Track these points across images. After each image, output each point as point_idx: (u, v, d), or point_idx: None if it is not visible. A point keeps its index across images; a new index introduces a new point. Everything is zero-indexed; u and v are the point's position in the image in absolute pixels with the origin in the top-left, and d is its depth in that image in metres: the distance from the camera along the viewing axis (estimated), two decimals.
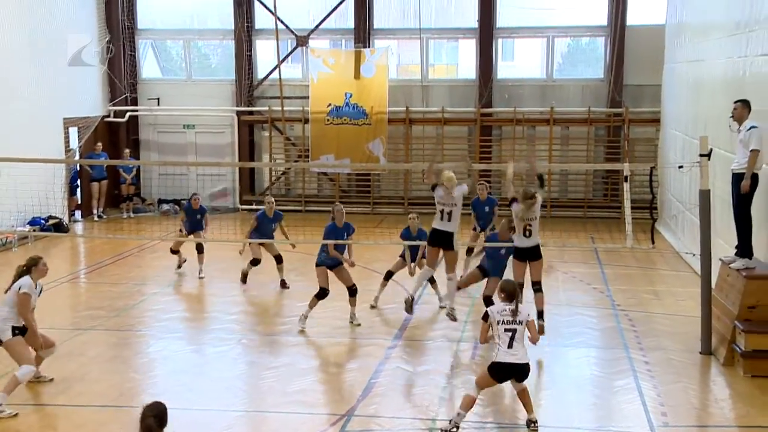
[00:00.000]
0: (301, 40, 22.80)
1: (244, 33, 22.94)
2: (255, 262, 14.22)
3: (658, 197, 18.21)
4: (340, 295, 12.16)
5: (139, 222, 21.18)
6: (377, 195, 22.88)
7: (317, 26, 22.75)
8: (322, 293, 11.82)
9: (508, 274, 10.86)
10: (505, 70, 22.91)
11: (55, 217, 19.39)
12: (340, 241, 11.89)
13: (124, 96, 23.16)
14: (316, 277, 11.89)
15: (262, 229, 14.08)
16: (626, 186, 12.57)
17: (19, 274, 9.32)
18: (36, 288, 9.36)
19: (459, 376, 10.01)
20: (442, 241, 11.16)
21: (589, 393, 9.62)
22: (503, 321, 8.25)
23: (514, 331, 8.19)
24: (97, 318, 12.43)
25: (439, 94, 22.68)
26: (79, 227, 20.93)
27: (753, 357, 9.93)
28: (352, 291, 12.06)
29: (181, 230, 15.76)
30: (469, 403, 8.23)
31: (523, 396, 8.40)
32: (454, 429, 8.18)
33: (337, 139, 22.07)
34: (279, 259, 14.19)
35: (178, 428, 8.37)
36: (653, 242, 12.88)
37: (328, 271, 11.93)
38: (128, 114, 23.20)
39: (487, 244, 12.38)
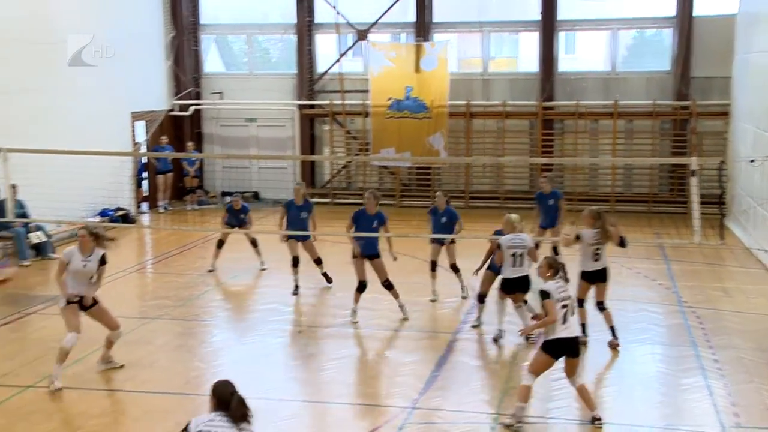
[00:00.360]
0: (362, 34, 22.80)
1: (305, 27, 23.05)
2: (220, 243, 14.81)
3: (728, 192, 17.75)
4: (402, 288, 12.12)
5: (203, 214, 21.46)
6: (438, 189, 22.74)
7: (377, 20, 22.72)
8: (360, 286, 11.80)
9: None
10: (567, 62, 22.60)
11: (123, 209, 19.78)
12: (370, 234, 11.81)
13: (188, 90, 23.48)
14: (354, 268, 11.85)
15: (290, 217, 13.52)
16: (694, 180, 12.24)
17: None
18: (86, 255, 9.57)
19: (521, 371, 9.88)
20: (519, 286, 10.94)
21: (656, 391, 9.42)
22: (561, 298, 8.19)
23: (567, 306, 8.23)
24: (163, 307, 12.64)
25: (500, 88, 22.47)
26: (145, 219, 21.31)
27: None
28: (386, 285, 11.90)
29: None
30: (525, 394, 8.15)
31: (583, 393, 8.31)
32: (518, 424, 8.09)
33: (398, 133, 22.04)
34: (318, 262, 13.77)
35: None
36: (722, 238, 12.58)
37: (366, 262, 11.83)
38: (192, 108, 23.52)
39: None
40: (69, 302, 9.53)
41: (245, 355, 10.73)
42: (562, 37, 22.37)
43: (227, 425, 5.53)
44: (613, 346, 10.57)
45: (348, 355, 10.60)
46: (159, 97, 22.74)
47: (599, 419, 8.19)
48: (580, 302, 10.58)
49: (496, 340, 10.92)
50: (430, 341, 11.11)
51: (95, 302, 9.71)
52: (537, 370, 8.25)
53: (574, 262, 10.82)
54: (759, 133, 15.73)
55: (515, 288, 10.85)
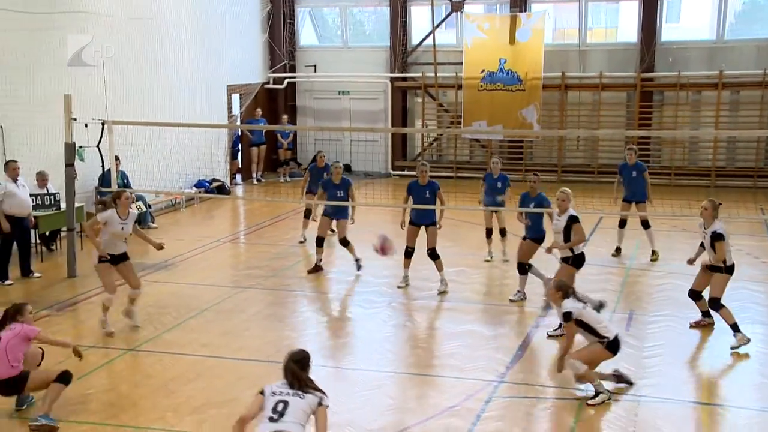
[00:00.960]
0: (456, 6, 22.62)
1: None
2: (307, 213, 15.00)
3: None
4: (492, 264, 12.10)
5: (295, 186, 21.64)
6: (530, 162, 22.51)
7: None
8: (407, 251, 12.16)
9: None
10: (669, 32, 21.90)
11: (218, 180, 20.30)
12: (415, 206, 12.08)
13: (282, 63, 23.82)
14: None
15: (328, 193, 13.10)
16: None
17: (105, 206, 10.66)
18: (125, 219, 10.23)
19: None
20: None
21: (756, 371, 9.17)
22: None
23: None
24: (256, 277, 12.95)
25: (596, 59, 21.99)
26: (239, 190, 21.81)
27: None
28: (431, 255, 12.04)
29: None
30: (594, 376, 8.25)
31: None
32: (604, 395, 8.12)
33: (491, 105, 21.85)
34: (344, 242, 13.23)
35: (330, 387, 8.68)
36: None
37: (421, 228, 12.08)
38: (286, 81, 23.86)
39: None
40: (101, 260, 10.22)
41: (334, 326, 10.95)
42: (664, 5, 21.67)
43: (290, 391, 6.02)
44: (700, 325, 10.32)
45: (436, 327, 10.68)
46: (254, 71, 23.14)
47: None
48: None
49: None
50: (518, 315, 11.07)
51: (126, 257, 10.43)
52: (595, 364, 8.40)
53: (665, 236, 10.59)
54: None
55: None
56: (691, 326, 10.35)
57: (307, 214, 15.17)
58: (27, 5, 14.61)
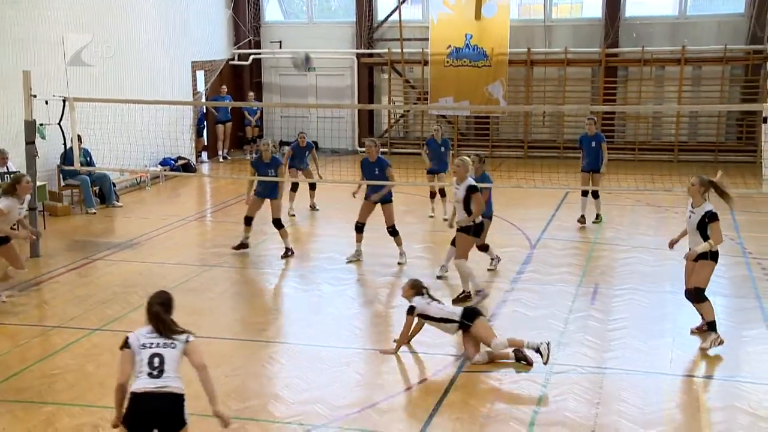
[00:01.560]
0: None
1: None
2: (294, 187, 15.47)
3: None
4: (451, 236, 12.06)
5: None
6: (496, 138, 22.58)
7: None
8: (357, 226, 12.33)
9: None
10: (633, 7, 22.04)
11: (184, 158, 20.13)
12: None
13: (247, 39, 23.61)
14: None
15: (259, 172, 13.05)
16: (765, 128, 11.90)
17: (4, 192, 10.36)
18: (21, 204, 10.35)
19: (576, 321, 9.85)
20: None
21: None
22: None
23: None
24: (222, 255, 12.88)
25: (562, 35, 22.06)
26: (205, 167, 21.65)
27: None
28: (390, 232, 12.23)
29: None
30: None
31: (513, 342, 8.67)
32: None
33: (457, 81, 21.85)
34: (278, 224, 12.97)
35: (300, 362, 8.68)
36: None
37: (377, 206, 12.22)
38: (252, 57, 23.65)
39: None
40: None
41: (302, 303, 10.92)
42: None
43: (160, 341, 5.83)
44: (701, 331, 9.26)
45: (404, 304, 10.66)
46: (219, 47, 22.92)
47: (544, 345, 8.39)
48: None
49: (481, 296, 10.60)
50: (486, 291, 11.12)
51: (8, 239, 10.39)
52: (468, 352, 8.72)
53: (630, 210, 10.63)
54: None
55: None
56: (692, 332, 9.37)
57: (294, 187, 15.42)
58: None
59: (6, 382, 8.24)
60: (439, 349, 9.03)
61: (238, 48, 23.56)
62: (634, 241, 13.47)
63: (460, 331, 8.75)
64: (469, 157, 10.85)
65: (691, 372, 8.50)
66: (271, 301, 11.20)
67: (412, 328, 8.92)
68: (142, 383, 5.69)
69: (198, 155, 21.83)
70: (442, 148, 15.16)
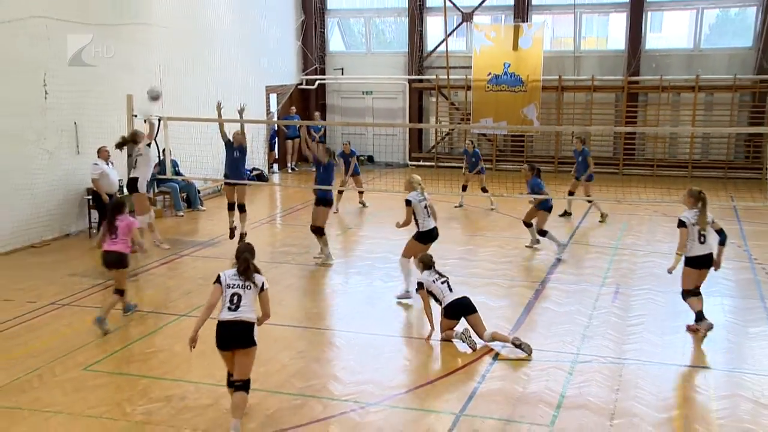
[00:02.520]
0: (466, 16, 22.50)
1: (417, 10, 22.93)
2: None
3: None
4: (505, 240, 12.07)
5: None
6: (530, 154, 22.42)
7: (480, 4, 22.38)
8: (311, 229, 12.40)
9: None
10: (653, 40, 21.69)
11: (258, 169, 20.38)
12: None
13: (314, 67, 23.82)
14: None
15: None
16: None
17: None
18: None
19: (599, 317, 9.76)
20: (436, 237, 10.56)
21: (723, 338, 9.12)
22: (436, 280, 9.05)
23: (445, 281, 9.02)
24: (289, 254, 13.02)
25: (589, 64, 21.83)
26: (276, 177, 21.89)
27: None
28: (312, 230, 12.23)
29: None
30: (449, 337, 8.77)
31: (497, 337, 8.65)
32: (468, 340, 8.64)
33: (496, 104, 21.76)
34: (241, 209, 13.16)
35: (354, 350, 8.75)
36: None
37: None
38: (317, 82, 23.86)
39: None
40: None
41: (358, 297, 10.97)
42: (649, 17, 21.48)
43: (238, 278, 6.80)
44: (692, 330, 9.10)
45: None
46: (289, 73, 23.17)
47: (524, 346, 8.41)
48: (688, 293, 9.03)
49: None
50: (520, 289, 11.07)
51: None
52: (445, 333, 8.80)
53: (648, 220, 10.49)
54: None
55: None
56: (687, 329, 9.23)
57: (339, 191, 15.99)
58: (94, 18, 14.71)
59: (110, 357, 8.49)
60: (477, 340, 9.02)
61: (306, 74, 23.80)
62: (651, 247, 13.29)
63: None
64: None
65: (700, 363, 8.37)
66: (331, 294, 11.28)
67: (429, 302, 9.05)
68: (224, 314, 6.67)
69: (270, 167, 22.08)
70: (473, 159, 16.57)
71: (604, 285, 11.13)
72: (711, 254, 8.99)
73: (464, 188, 16.60)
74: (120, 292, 9.44)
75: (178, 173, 16.07)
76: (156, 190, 16.32)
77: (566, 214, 15.65)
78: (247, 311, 6.70)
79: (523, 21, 21.70)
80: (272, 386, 7.72)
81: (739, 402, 7.38)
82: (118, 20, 15.32)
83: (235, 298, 6.69)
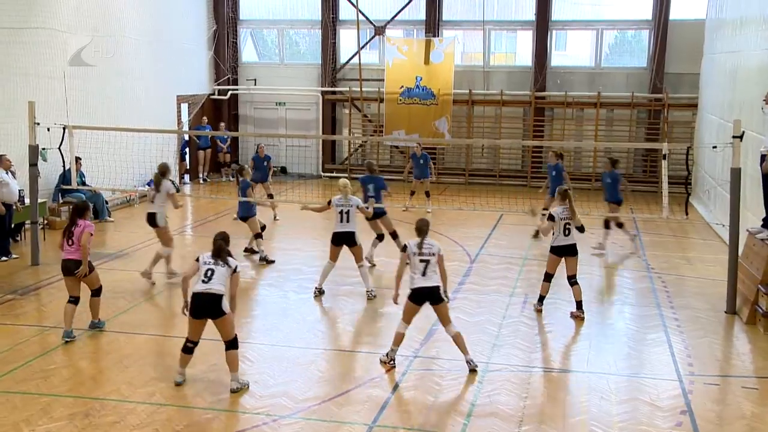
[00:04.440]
0: (379, 30, 22.68)
1: (330, 23, 22.94)
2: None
3: (693, 174, 17.68)
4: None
5: (236, 185, 21.48)
6: (441, 166, 22.71)
7: (393, 18, 22.60)
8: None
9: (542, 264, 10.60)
10: (557, 58, 22.41)
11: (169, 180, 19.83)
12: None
13: (226, 77, 23.47)
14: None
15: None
16: (664, 163, 12.17)
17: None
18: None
19: (509, 326, 9.95)
20: (345, 239, 11.02)
21: (624, 344, 9.47)
22: (418, 252, 8.26)
23: (426, 261, 8.23)
24: None
25: (498, 79, 22.34)
26: (187, 188, 21.41)
27: None
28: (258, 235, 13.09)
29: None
30: (398, 339, 8.50)
31: (457, 340, 8.38)
32: (391, 362, 8.47)
33: (408, 117, 21.99)
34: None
35: (267, 363, 8.61)
36: (687, 214, 12.52)
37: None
38: (230, 92, 23.52)
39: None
40: None
41: (271, 308, 10.83)
42: (553, 36, 22.18)
43: (212, 259, 7.74)
44: (576, 317, 10.23)
45: (360, 310, 10.68)
46: (201, 83, 22.75)
47: (474, 364, 8.31)
48: (549, 276, 10.38)
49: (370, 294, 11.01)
50: None
51: None
52: (405, 318, 8.42)
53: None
54: (722, 123, 15.62)
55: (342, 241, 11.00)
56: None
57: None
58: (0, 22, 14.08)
59: (7, 375, 8.07)
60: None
61: (218, 84, 23.43)
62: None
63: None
64: None
65: (603, 370, 8.62)
66: (243, 306, 11.07)
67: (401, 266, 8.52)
68: (198, 286, 7.59)
69: (181, 177, 21.59)
70: (421, 161, 17.35)
71: (513, 295, 11.36)
72: (573, 245, 10.22)
73: (413, 194, 17.35)
74: (94, 293, 9.43)
75: (84, 184, 15.49)
76: (61, 201, 15.67)
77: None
78: (217, 284, 7.55)
79: (435, 36, 22.04)
80: (182, 401, 7.51)
81: (638, 405, 7.65)
82: (21, 24, 14.66)
83: (209, 272, 7.59)
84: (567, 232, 10.14)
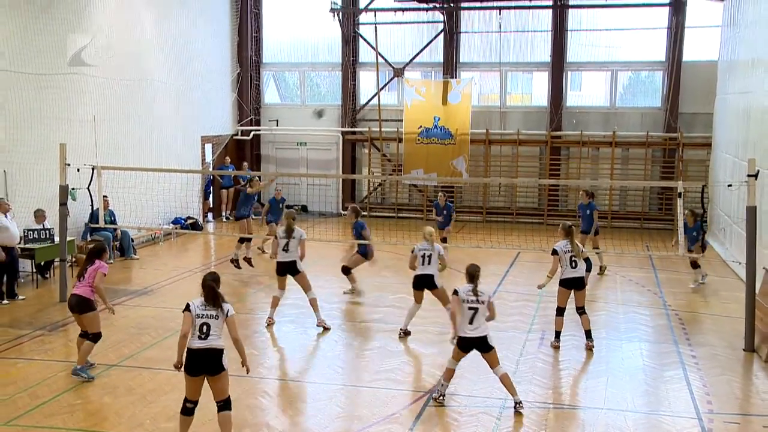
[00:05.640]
0: (398, 72, 22.98)
1: (350, 65, 23.29)
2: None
3: (709, 212, 17.60)
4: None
5: (258, 223, 21.66)
6: (459, 204, 22.79)
7: (411, 60, 22.90)
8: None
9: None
10: (573, 98, 22.55)
11: (192, 218, 20.11)
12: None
13: (249, 118, 23.83)
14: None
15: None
16: (680, 201, 12.18)
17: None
18: None
19: (526, 363, 9.91)
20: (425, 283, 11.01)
21: (642, 381, 9.40)
22: (467, 299, 8.20)
23: (474, 309, 8.17)
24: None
25: (514, 119, 22.50)
26: (210, 226, 21.62)
27: None
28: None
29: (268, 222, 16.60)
30: (448, 375, 8.46)
31: (505, 381, 8.26)
32: (441, 397, 8.43)
33: (426, 156, 22.15)
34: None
35: (287, 398, 8.63)
36: (703, 251, 12.49)
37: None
38: (252, 133, 23.86)
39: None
40: None
41: (291, 345, 10.88)
42: (569, 77, 22.34)
43: (205, 307, 7.12)
44: (588, 348, 10.41)
45: (379, 347, 10.69)
46: (225, 124, 23.11)
47: (520, 403, 8.21)
48: (561, 310, 10.50)
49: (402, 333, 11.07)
50: (448, 335, 11.11)
51: None
52: (455, 356, 8.41)
53: None
54: (736, 162, 15.61)
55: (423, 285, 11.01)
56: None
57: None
58: (34, 68, 14.49)
59: (37, 409, 8.16)
60: (409, 386, 9.04)
61: (242, 125, 23.79)
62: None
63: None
64: None
65: (621, 407, 8.55)
66: (264, 342, 11.14)
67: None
68: (195, 343, 7.01)
69: (205, 216, 21.82)
70: (444, 212, 16.52)
71: (531, 331, 11.32)
72: (581, 277, 10.43)
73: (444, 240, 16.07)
74: (89, 336, 9.10)
75: (113, 222, 15.74)
76: (89, 239, 15.90)
77: (602, 269, 15.04)
78: (215, 339, 7.06)
79: (452, 77, 22.29)
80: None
81: None
82: (53, 70, 15.08)
83: (205, 327, 7.03)
84: (574, 264, 10.32)
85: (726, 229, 16.70)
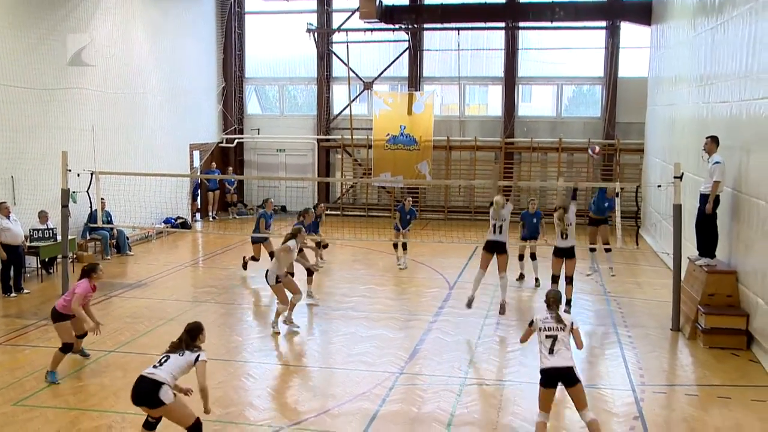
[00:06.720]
0: (367, 85, 23.03)
1: (324, 79, 23.27)
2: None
3: (642, 209, 17.93)
4: (402, 279, 12.24)
5: (242, 222, 21.62)
6: (423, 204, 22.95)
7: (380, 74, 22.96)
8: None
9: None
10: (524, 109, 22.80)
11: (182, 218, 19.95)
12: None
13: (233, 127, 23.69)
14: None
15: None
16: (617, 200, 12.46)
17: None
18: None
19: (484, 345, 10.06)
20: (496, 248, 11.01)
21: (584, 360, 9.54)
22: (544, 327, 6.73)
23: (553, 337, 6.63)
24: (210, 294, 12.80)
25: (472, 127, 22.68)
26: (198, 225, 21.48)
27: (711, 333, 9.87)
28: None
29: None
30: (540, 429, 6.67)
31: (592, 427, 6.64)
32: None
33: (394, 161, 22.23)
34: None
35: (267, 381, 8.65)
36: (637, 243, 12.75)
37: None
38: (236, 141, 23.73)
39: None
40: None
41: (270, 331, 10.86)
42: (520, 90, 22.59)
43: (173, 353, 6.49)
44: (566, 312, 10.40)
45: (351, 332, 10.74)
46: (211, 133, 22.94)
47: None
48: (555, 278, 10.98)
49: (469, 301, 11.15)
50: (415, 322, 11.22)
51: None
52: (541, 406, 6.67)
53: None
54: (664, 165, 15.95)
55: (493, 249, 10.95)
56: None
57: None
58: (35, 83, 14.30)
59: (42, 391, 8.10)
60: (379, 368, 9.11)
61: (226, 134, 23.64)
62: (526, 284, 13.80)
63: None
64: None
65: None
66: (247, 329, 11.13)
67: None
68: (146, 369, 6.36)
69: (193, 216, 21.67)
70: (408, 216, 14.91)
71: (488, 317, 11.45)
72: (572, 247, 11.00)
73: (401, 246, 14.78)
74: (82, 336, 8.84)
75: (110, 222, 15.57)
76: (88, 237, 15.74)
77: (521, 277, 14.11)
78: (163, 373, 6.24)
79: (416, 90, 22.40)
80: (233, 417, 7.53)
81: (597, 413, 7.67)
82: (55, 85, 14.89)
83: (164, 359, 6.43)
84: (564, 236, 10.92)
85: (657, 225, 17.04)
